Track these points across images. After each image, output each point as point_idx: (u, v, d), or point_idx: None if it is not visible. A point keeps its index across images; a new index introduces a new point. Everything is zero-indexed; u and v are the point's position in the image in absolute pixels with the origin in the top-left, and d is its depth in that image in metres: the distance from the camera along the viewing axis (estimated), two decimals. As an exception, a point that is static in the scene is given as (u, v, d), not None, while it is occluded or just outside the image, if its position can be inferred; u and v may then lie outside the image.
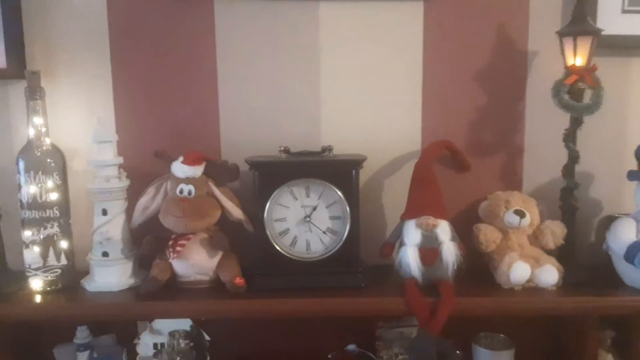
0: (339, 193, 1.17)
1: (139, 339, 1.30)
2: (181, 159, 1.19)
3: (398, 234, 1.20)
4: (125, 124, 1.29)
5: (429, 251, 1.15)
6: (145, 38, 1.28)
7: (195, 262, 1.18)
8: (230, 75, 1.30)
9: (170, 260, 1.17)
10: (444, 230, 1.16)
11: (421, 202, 1.18)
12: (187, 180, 1.17)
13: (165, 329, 1.30)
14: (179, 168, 1.18)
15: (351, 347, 1.30)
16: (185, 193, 1.17)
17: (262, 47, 1.29)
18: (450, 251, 1.15)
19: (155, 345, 1.30)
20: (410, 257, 1.15)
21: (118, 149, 1.24)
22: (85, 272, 1.24)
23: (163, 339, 1.30)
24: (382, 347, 1.26)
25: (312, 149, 1.25)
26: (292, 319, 1.23)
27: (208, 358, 1.30)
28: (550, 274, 1.15)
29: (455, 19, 1.29)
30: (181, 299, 1.16)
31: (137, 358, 1.30)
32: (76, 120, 1.29)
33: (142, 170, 1.27)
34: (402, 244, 1.19)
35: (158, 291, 1.15)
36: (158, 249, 1.20)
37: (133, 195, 1.23)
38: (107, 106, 1.30)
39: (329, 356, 1.29)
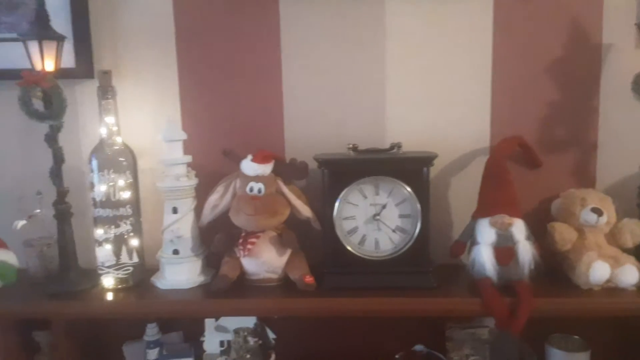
0: (409, 191, 1.15)
1: (205, 336, 1.32)
2: (250, 157, 1.19)
3: (470, 233, 1.18)
4: (191, 122, 1.29)
5: (504, 250, 1.12)
6: (210, 37, 1.29)
7: (265, 260, 1.18)
8: (295, 73, 1.29)
9: (240, 258, 1.18)
10: (519, 228, 1.13)
11: (495, 200, 1.15)
12: (257, 179, 1.17)
13: (230, 326, 1.31)
14: (249, 166, 1.18)
15: (419, 347, 1.28)
16: (255, 191, 1.17)
17: (327, 44, 1.28)
18: (526, 250, 1.12)
19: (221, 342, 1.31)
20: (484, 257, 1.12)
21: (184, 148, 1.24)
22: (153, 269, 1.26)
23: (228, 336, 1.30)
24: (453, 347, 1.24)
25: (378, 146, 1.24)
26: (359, 317, 1.23)
27: (273, 356, 1.31)
28: (631, 274, 1.10)
29: (526, 12, 1.25)
30: (251, 296, 1.16)
31: (204, 355, 1.31)
32: (143, 118, 1.30)
33: (208, 168, 1.27)
34: (474, 243, 1.16)
35: (228, 289, 1.17)
36: (227, 247, 1.21)
37: (200, 193, 1.24)
38: (173, 105, 1.30)
39: (397, 356, 1.27)
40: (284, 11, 1.27)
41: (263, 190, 1.17)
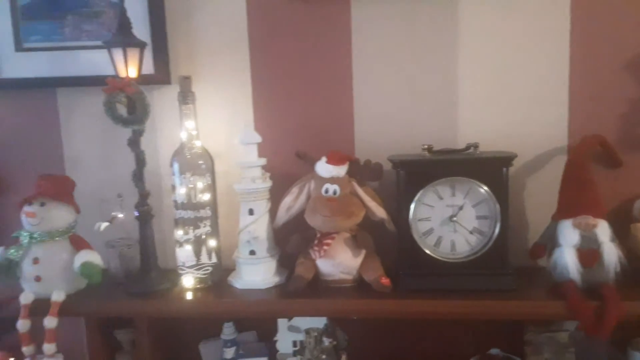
0: (487, 191, 1.13)
1: (278, 336, 1.34)
2: (325, 159, 1.20)
3: (550, 234, 1.15)
4: (264, 126, 1.31)
5: (588, 252, 1.09)
6: (282, 42, 1.31)
7: (340, 261, 1.18)
8: (366, 74, 1.30)
9: (315, 259, 1.19)
10: (603, 230, 1.10)
11: (577, 201, 1.12)
12: (332, 180, 1.18)
13: (301, 326, 1.32)
14: (324, 168, 1.19)
15: (494, 350, 1.26)
16: (331, 192, 1.18)
17: (398, 46, 1.27)
18: (611, 252, 1.08)
19: (294, 342, 1.33)
20: (568, 259, 1.09)
21: (258, 151, 1.26)
22: (229, 269, 1.29)
23: (300, 336, 1.31)
24: (531, 351, 1.22)
25: (450, 146, 1.23)
26: (432, 319, 1.22)
27: (344, 357, 1.31)
28: None
29: (605, 3, 1.21)
30: (326, 297, 1.17)
31: (277, 355, 1.33)
32: (218, 122, 1.33)
33: (281, 170, 1.29)
34: (556, 245, 1.13)
35: (304, 289, 1.18)
36: (302, 248, 1.23)
37: (274, 195, 1.25)
38: (246, 109, 1.33)
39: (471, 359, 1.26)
40: (356, 15, 1.28)
41: (338, 192, 1.17)
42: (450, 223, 1.16)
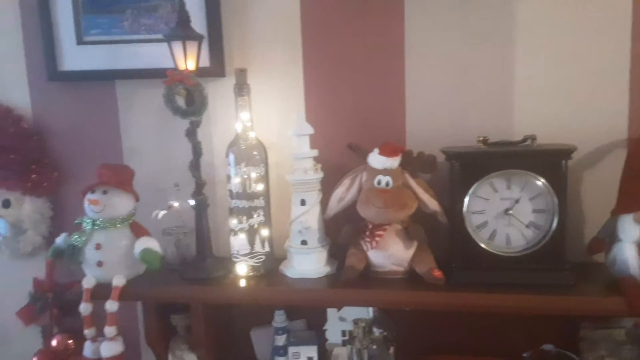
0: (545, 185, 1.12)
1: (327, 325, 1.36)
2: (377, 150, 1.21)
3: (610, 229, 1.12)
4: (315, 117, 1.32)
5: (651, 248, 1.07)
6: (334, 34, 1.31)
7: (392, 252, 1.19)
8: (418, 64, 1.29)
9: (367, 250, 1.20)
10: (667, 226, 1.07)
11: (639, 196, 1.10)
12: (385, 172, 1.18)
13: (349, 317, 1.34)
14: (377, 159, 1.19)
15: (548, 346, 1.24)
16: (383, 184, 1.18)
17: (451, 37, 1.26)
18: (676, 249, 1.06)
19: (342, 332, 1.34)
20: (628, 255, 1.07)
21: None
22: (279, 258, 1.31)
23: (348, 326, 1.33)
24: (587, 348, 1.19)
25: (505, 138, 1.21)
26: (484, 313, 1.21)
27: (392, 349, 1.32)
28: None
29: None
30: (378, 288, 1.18)
31: (326, 344, 1.35)
32: (269, 114, 1.35)
33: (331, 162, 1.30)
34: (615, 240, 1.11)
35: (356, 279, 1.19)
36: (354, 239, 1.24)
37: (325, 186, 1.26)
38: (298, 100, 1.34)
39: (524, 355, 1.24)
40: (409, 4, 1.27)
41: (391, 184, 1.18)
42: (505, 216, 1.15)
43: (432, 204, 1.19)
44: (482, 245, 1.15)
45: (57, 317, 1.47)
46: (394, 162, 1.19)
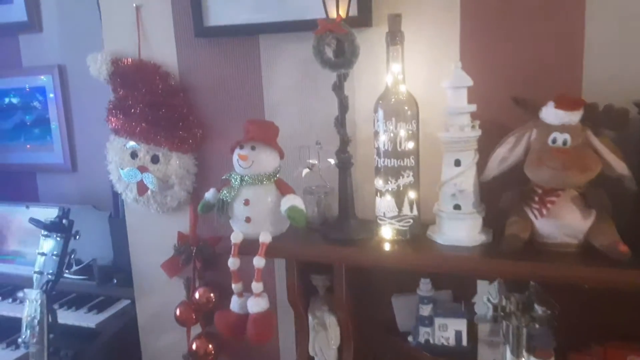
0: None
1: (476, 298, 1.25)
2: (552, 103, 1.05)
3: None
4: (472, 68, 1.16)
5: None
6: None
7: (566, 222, 1.04)
8: (602, 5, 1.10)
9: (535, 218, 1.06)
10: None
11: None
12: (562, 128, 1.02)
13: (500, 291, 1.22)
14: (553, 114, 1.04)
15: None
16: (560, 142, 1.03)
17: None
18: None
19: (494, 307, 1.23)
20: None
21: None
22: (427, 223, 1.22)
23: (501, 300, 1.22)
24: None
25: None
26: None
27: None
28: None
29: None
30: (546, 261, 1.04)
31: (475, 318, 1.24)
32: (420, 65, 1.24)
33: (489, 118, 1.15)
34: None
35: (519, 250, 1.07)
36: (516, 205, 1.10)
37: (481, 146, 1.13)
38: (453, 50, 1.22)
39: None
40: None
41: (569, 142, 1.02)
42: None
43: (620, 167, 1.01)
44: (683, 218, 0.98)
45: (199, 270, 1.54)
46: (573, 116, 1.02)
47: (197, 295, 1.48)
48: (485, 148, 1.14)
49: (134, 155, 1.48)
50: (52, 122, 2.09)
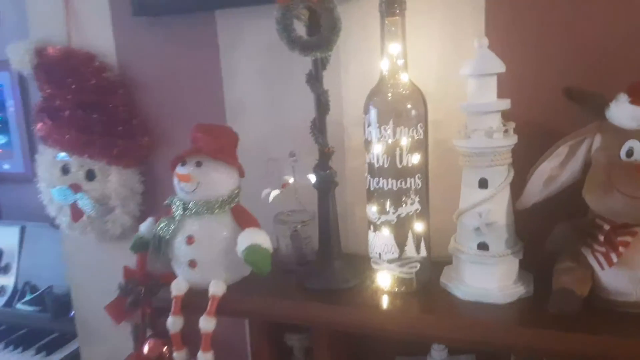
0: None
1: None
2: (625, 97, 0.71)
3: None
4: (502, 48, 0.81)
5: None
6: None
7: (646, 273, 0.72)
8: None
9: (601, 268, 0.73)
10: None
11: None
12: (643, 134, 0.70)
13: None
14: (627, 112, 0.70)
15: None
16: (638, 155, 0.70)
17: None
18: None
19: (533, 380, 0.91)
20: None
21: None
22: (440, 263, 0.88)
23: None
24: None
25: None
26: None
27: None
28: None
29: None
30: (615, 330, 0.72)
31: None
32: (428, 47, 0.90)
33: (528, 119, 0.82)
34: None
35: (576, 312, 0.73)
36: (572, 245, 0.78)
37: (516, 158, 0.80)
38: (476, 25, 0.87)
39: None
40: None
41: (653, 155, 0.70)
42: None
43: None
44: None
45: (150, 316, 1.23)
46: (660, 117, 0.70)
47: (146, 348, 1.17)
48: (523, 162, 0.80)
49: (65, 170, 1.16)
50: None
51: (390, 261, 0.83)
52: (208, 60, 1.07)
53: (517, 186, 0.81)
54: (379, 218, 0.83)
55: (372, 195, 0.84)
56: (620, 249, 0.69)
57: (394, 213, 0.81)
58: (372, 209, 0.84)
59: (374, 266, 0.86)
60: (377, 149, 0.81)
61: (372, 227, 0.85)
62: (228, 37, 1.05)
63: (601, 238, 0.72)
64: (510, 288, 0.80)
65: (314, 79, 0.83)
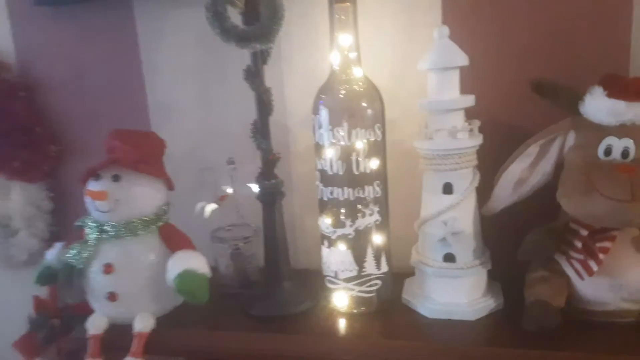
0: None
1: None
2: (600, 90, 0.65)
3: None
4: (461, 38, 0.72)
5: None
6: None
7: (625, 280, 0.65)
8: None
9: (580, 277, 0.67)
10: None
11: None
12: (623, 131, 0.63)
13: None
14: (605, 107, 0.63)
15: None
16: (617, 154, 0.63)
17: None
18: None
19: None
20: None
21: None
22: (401, 276, 0.80)
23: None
24: None
25: None
26: None
27: None
28: None
29: None
30: (600, 343, 0.64)
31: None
32: (385, 35, 0.82)
33: (493, 117, 0.76)
34: None
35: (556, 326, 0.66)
36: (544, 254, 0.71)
37: (482, 160, 0.72)
38: (432, 9, 0.80)
39: None
40: None
41: (632, 153, 0.63)
42: None
43: None
44: None
45: (66, 352, 1.07)
46: (640, 110, 0.65)
47: (64, 392, 1.01)
48: (488, 164, 0.73)
49: (-43, 187, 0.99)
50: None
51: (347, 280, 0.73)
52: (125, 55, 0.93)
53: (483, 190, 0.75)
54: (335, 232, 0.73)
55: (325, 206, 0.74)
56: (601, 256, 0.64)
57: (351, 226, 0.72)
58: (326, 222, 0.74)
59: (330, 285, 0.76)
60: (330, 153, 0.71)
61: (326, 243, 0.75)
62: (149, 27, 0.91)
63: (578, 244, 0.66)
64: (479, 302, 0.73)
65: (254, 75, 0.72)
